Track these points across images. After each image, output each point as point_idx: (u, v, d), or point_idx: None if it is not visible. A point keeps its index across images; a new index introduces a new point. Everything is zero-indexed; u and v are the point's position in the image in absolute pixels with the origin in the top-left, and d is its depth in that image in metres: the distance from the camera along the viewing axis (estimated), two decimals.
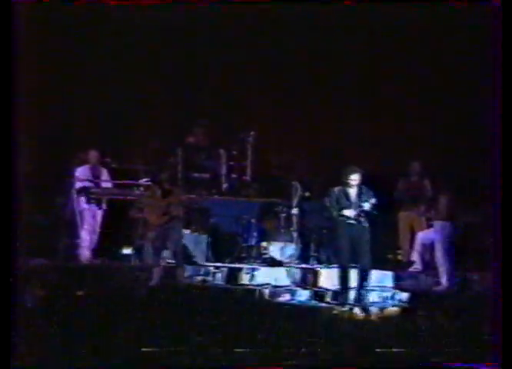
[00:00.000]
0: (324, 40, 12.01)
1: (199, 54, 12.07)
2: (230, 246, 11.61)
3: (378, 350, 8.08)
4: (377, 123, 12.48)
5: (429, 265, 11.28)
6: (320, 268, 11.12)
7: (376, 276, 10.58)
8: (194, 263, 11.13)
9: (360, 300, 9.81)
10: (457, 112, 11.87)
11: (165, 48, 11.87)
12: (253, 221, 11.59)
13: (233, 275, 10.92)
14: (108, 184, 11.76)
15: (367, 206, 9.71)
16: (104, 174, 11.75)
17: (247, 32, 11.93)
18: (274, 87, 12.54)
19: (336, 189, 9.88)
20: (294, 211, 11.67)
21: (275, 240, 11.54)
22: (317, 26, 11.82)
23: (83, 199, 11.35)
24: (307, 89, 12.51)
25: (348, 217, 9.77)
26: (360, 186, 9.85)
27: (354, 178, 9.80)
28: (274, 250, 11.44)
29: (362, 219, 9.78)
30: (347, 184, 9.84)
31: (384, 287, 10.62)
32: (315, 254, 11.55)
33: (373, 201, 9.75)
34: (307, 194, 12.09)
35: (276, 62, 12.46)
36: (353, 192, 9.87)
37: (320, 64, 12.38)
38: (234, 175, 12.42)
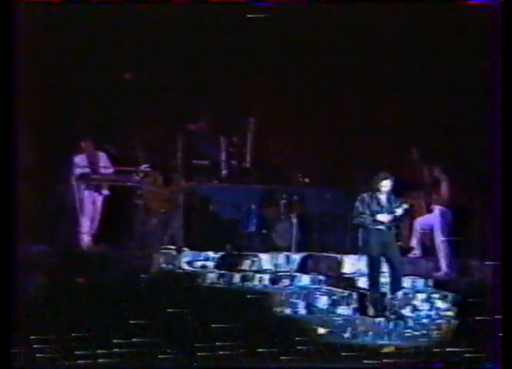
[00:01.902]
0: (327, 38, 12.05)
1: (201, 40, 12.08)
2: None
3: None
4: (380, 116, 12.49)
5: (428, 251, 11.31)
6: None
7: None
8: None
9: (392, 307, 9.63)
10: (457, 104, 11.85)
11: (166, 37, 11.87)
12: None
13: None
14: (108, 171, 11.77)
15: (399, 211, 9.61)
16: (104, 161, 11.75)
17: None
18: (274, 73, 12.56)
19: (366, 194, 9.70)
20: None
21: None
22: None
23: (82, 186, 11.37)
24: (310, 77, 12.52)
25: (380, 223, 9.61)
26: (389, 192, 9.70)
27: (386, 184, 9.62)
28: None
29: (393, 225, 9.69)
30: (378, 190, 9.67)
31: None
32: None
33: (405, 206, 9.67)
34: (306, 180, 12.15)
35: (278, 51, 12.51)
36: (383, 198, 9.69)
37: (331, 60, 12.39)
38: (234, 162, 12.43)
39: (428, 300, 9.83)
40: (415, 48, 11.90)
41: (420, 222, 11.36)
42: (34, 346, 7.85)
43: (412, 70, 12.04)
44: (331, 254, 11.08)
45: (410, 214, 11.08)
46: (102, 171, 11.65)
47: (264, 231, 11.58)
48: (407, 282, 10.22)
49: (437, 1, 10.46)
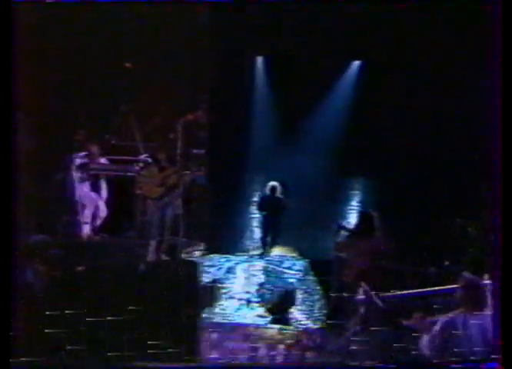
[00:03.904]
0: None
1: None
2: None
3: None
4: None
5: None
6: None
7: None
8: None
9: None
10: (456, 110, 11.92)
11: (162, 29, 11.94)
12: None
13: None
14: (107, 161, 11.80)
15: None
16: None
17: None
18: None
19: None
20: None
21: None
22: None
23: (82, 175, 11.40)
24: None
25: None
26: None
27: None
28: None
29: None
30: None
31: None
32: None
33: None
34: None
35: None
36: None
37: None
38: None
39: None
40: (414, 48, 11.96)
41: None
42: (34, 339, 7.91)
43: (412, 69, 12.10)
44: None
45: None
46: (102, 161, 11.70)
47: None
48: None
49: (437, 1, 10.51)
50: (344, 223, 10.35)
